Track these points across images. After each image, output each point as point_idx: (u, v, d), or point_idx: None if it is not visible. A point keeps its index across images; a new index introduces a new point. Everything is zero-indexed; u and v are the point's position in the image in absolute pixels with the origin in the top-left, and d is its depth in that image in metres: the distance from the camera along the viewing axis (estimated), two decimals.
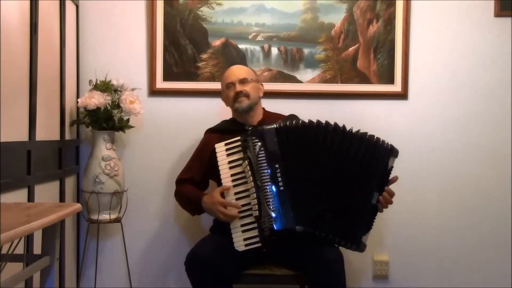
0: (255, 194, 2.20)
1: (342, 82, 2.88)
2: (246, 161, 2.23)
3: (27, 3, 2.17)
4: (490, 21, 2.86)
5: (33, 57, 2.20)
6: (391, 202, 2.26)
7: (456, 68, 2.88)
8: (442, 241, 2.90)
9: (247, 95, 2.47)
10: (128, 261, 2.77)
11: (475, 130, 2.88)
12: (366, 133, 2.23)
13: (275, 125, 2.25)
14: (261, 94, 2.56)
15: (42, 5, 2.29)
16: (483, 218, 2.88)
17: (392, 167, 2.24)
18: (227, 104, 2.57)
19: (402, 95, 2.87)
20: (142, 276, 2.89)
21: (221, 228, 2.37)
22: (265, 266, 2.37)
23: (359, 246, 2.23)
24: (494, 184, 2.87)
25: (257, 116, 2.55)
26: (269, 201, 2.18)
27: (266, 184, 2.19)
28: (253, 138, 2.23)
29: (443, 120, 2.89)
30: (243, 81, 2.49)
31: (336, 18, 2.87)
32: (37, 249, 1.95)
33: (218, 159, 2.32)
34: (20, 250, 1.66)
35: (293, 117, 2.50)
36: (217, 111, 2.77)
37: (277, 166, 2.20)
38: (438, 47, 2.88)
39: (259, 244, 2.21)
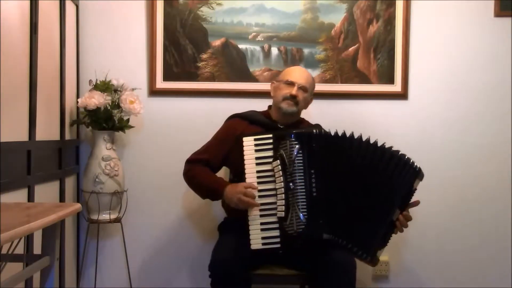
0: (283, 195, 2.17)
1: (342, 82, 2.88)
2: (278, 160, 2.20)
3: (27, 3, 2.17)
4: (490, 21, 2.86)
5: (33, 57, 2.20)
6: (406, 226, 2.24)
7: (456, 68, 2.88)
8: (442, 241, 2.90)
9: (296, 103, 2.44)
10: (128, 261, 2.77)
11: (475, 130, 2.88)
12: (398, 151, 2.21)
13: (315, 131, 2.24)
14: (307, 107, 2.55)
15: (42, 5, 2.29)
16: (483, 217, 2.88)
17: (416, 189, 2.21)
18: (274, 94, 2.52)
19: (402, 95, 2.87)
20: (142, 276, 2.89)
21: (232, 228, 2.37)
22: (265, 266, 2.36)
23: (373, 259, 2.19)
24: (494, 184, 2.88)
25: (292, 120, 2.52)
26: (300, 205, 2.15)
27: (300, 187, 2.16)
28: (292, 139, 2.20)
29: (443, 120, 2.89)
30: (302, 89, 2.45)
31: (336, 18, 2.87)
32: (37, 249, 1.95)
33: (245, 153, 2.26)
34: (20, 250, 1.66)
35: (318, 126, 2.49)
36: (217, 111, 2.76)
37: (312, 171, 2.18)
38: (438, 47, 2.88)
39: (278, 245, 2.17)
